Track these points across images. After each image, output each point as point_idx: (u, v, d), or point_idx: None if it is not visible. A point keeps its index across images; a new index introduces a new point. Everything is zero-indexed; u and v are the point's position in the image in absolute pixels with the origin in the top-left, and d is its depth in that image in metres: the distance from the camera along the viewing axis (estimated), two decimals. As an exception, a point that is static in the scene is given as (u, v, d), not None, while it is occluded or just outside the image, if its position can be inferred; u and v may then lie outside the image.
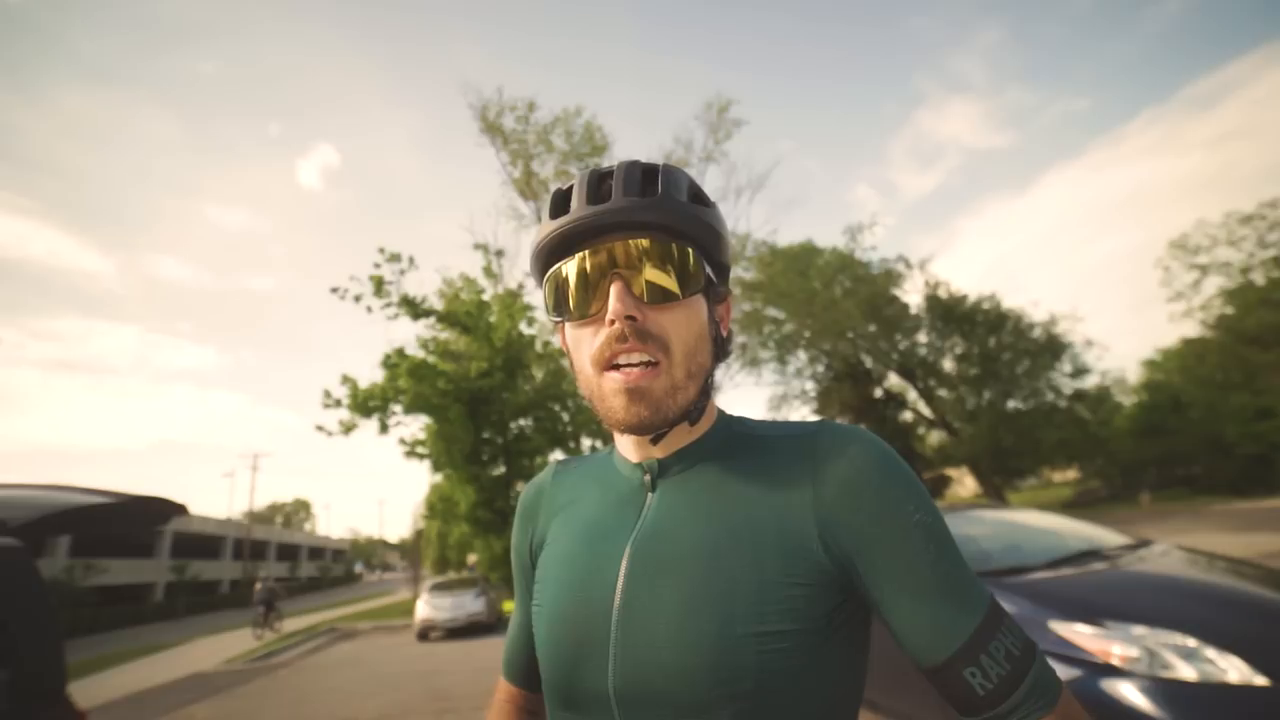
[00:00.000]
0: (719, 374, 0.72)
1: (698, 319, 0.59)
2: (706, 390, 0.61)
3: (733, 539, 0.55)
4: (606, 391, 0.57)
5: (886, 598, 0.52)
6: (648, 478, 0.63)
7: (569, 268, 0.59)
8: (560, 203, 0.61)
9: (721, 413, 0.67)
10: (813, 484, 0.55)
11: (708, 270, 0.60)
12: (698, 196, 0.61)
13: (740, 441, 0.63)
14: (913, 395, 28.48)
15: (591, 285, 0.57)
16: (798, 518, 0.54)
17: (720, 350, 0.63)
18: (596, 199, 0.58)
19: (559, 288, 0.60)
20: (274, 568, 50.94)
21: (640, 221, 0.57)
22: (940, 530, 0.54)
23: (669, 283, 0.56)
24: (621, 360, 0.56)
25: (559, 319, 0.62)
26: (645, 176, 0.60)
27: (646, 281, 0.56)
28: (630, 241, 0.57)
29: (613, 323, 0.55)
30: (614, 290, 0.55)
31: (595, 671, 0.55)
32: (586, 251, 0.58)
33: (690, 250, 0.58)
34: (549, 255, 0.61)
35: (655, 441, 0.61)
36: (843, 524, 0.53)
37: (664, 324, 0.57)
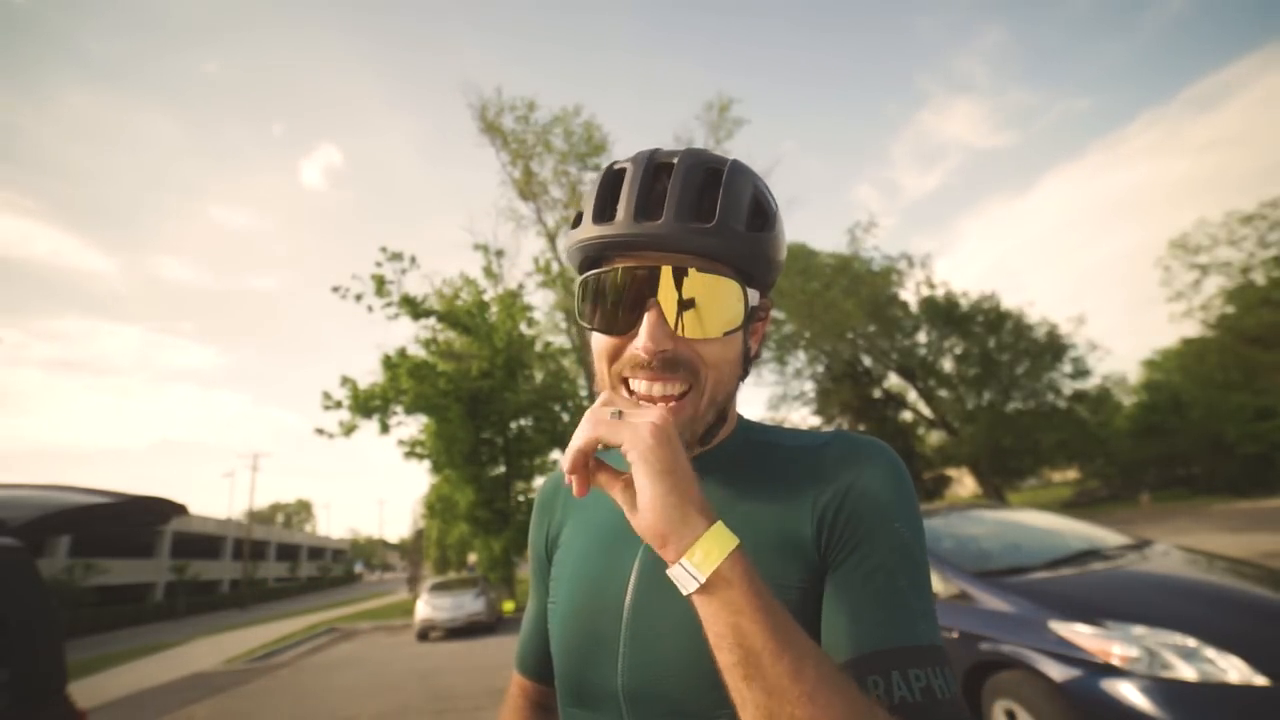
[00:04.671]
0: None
1: (734, 349, 0.57)
2: (723, 415, 0.59)
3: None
4: None
5: (834, 584, 0.52)
6: None
7: (605, 279, 0.55)
8: (606, 198, 0.56)
9: (741, 419, 0.66)
10: (814, 490, 0.56)
11: (752, 301, 0.56)
12: (759, 211, 0.57)
13: (756, 450, 0.63)
14: (912, 395, 28.46)
15: (625, 304, 0.54)
16: (797, 523, 0.55)
17: (747, 369, 0.61)
18: (646, 208, 0.54)
19: (591, 295, 0.57)
20: (274, 568, 50.98)
21: (688, 248, 0.53)
22: (916, 554, 0.53)
23: (708, 322, 0.54)
24: (642, 389, 0.55)
25: (587, 326, 0.58)
26: (705, 185, 0.55)
27: (684, 316, 0.53)
28: (674, 268, 0.53)
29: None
30: (648, 321, 0.53)
31: (605, 670, 0.57)
32: (624, 268, 0.54)
33: (738, 286, 0.54)
34: (586, 259, 0.59)
35: None
36: (831, 523, 0.54)
37: (697, 351, 0.55)
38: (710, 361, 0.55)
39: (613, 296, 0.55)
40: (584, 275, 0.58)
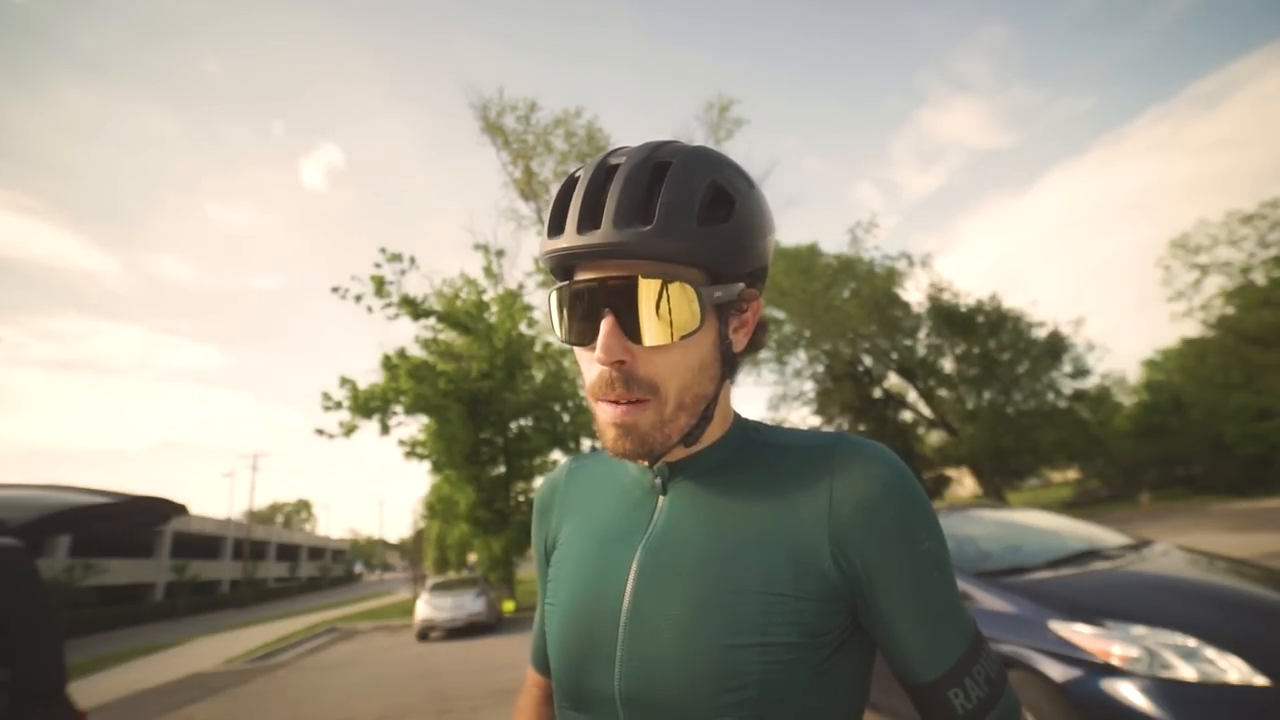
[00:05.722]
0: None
1: (697, 352, 0.56)
2: (707, 415, 0.59)
3: (742, 549, 0.55)
4: (600, 419, 0.56)
5: (886, 616, 0.54)
6: (658, 481, 0.62)
7: (563, 293, 0.56)
8: (560, 209, 0.56)
9: (738, 417, 0.65)
10: (829, 501, 0.55)
11: (718, 295, 0.55)
12: (718, 200, 0.55)
13: (754, 449, 0.62)
14: (913, 395, 28.46)
15: (586, 315, 0.55)
16: (810, 533, 0.54)
17: (731, 367, 0.60)
18: (592, 217, 0.53)
19: (556, 309, 0.57)
20: (274, 568, 51.00)
21: (635, 254, 0.52)
22: (944, 557, 0.56)
23: (661, 326, 0.52)
24: (610, 397, 0.55)
25: (561, 339, 0.59)
26: (653, 183, 0.53)
27: (638, 325, 0.53)
28: (623, 277, 0.53)
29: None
30: (603, 330, 0.52)
31: (602, 674, 0.56)
32: (581, 280, 0.55)
33: (689, 288, 0.52)
34: (558, 269, 0.59)
35: (654, 461, 0.59)
36: (856, 543, 0.53)
37: (656, 364, 0.54)
38: (670, 368, 0.54)
39: (572, 310, 0.56)
40: (551, 290, 0.58)
